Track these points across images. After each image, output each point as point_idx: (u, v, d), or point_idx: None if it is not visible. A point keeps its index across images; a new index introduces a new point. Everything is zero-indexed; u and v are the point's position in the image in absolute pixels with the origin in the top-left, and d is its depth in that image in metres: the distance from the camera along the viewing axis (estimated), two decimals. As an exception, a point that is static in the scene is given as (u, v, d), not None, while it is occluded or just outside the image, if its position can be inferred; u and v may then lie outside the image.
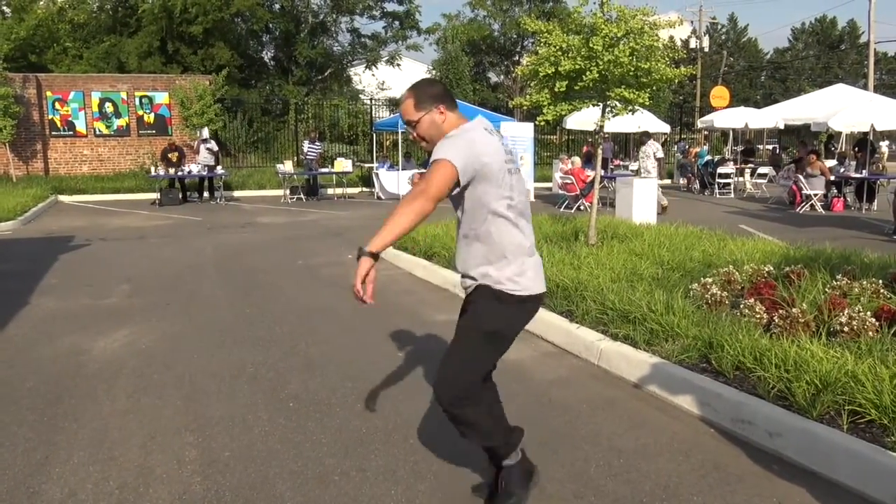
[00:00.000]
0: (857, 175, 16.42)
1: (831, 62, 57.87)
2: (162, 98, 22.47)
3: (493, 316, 2.79)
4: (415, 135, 2.83)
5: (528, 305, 2.86)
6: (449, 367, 2.80)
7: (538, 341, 5.71)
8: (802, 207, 15.70)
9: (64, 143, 21.88)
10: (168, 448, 3.75)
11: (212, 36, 27.23)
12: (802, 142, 24.61)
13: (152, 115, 22.51)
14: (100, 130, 22.08)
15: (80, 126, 21.89)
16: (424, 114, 2.76)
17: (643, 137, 15.85)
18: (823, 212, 15.46)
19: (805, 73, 58.57)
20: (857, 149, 17.88)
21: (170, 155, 18.34)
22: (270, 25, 30.97)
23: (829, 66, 57.24)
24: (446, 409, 2.80)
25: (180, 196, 18.16)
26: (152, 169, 18.54)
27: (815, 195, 15.72)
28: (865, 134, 17.34)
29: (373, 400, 4.44)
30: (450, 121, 2.79)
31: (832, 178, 16.36)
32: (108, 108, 22.05)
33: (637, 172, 16.17)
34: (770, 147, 33.76)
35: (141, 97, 22.32)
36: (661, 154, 15.80)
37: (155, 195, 17.88)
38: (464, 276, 2.86)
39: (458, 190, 2.70)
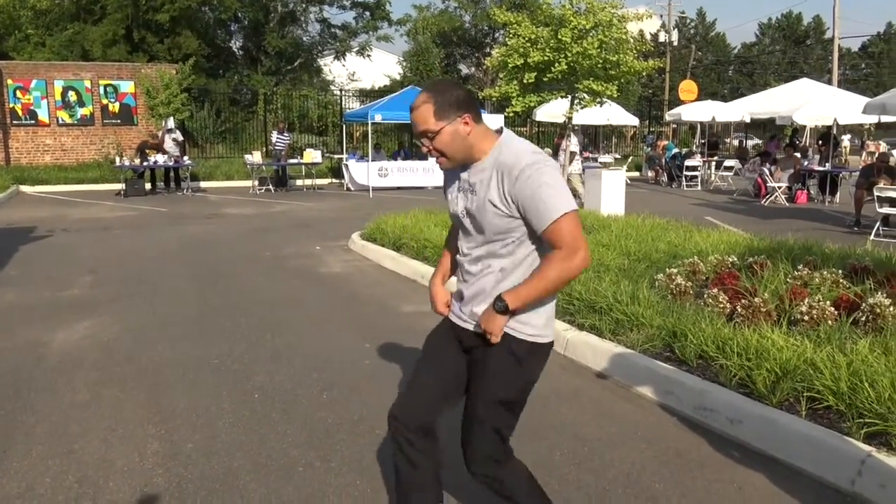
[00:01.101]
0: (821, 168, 16.70)
1: (797, 57, 58.75)
2: (127, 87, 22.08)
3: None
4: (430, 147, 2.31)
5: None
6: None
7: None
8: (767, 199, 15.94)
9: (25, 132, 21.40)
10: (129, 440, 3.70)
11: (179, 24, 26.79)
12: (773, 136, 25.00)
13: (117, 105, 22.10)
14: (63, 119, 21.63)
15: (43, 115, 21.42)
16: (446, 124, 2.26)
17: (567, 132, 16.07)
18: (787, 204, 15.72)
19: (771, 68, 59.39)
20: (820, 142, 18.19)
21: (148, 151, 18.02)
22: (239, 14, 30.55)
23: (794, 61, 58.10)
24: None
25: (146, 187, 17.89)
26: (117, 159, 18.23)
27: (780, 187, 15.97)
28: (829, 128, 17.64)
29: (339, 391, 4.42)
30: (476, 134, 2.30)
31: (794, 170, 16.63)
32: (72, 96, 21.60)
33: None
34: (737, 140, 34.21)
35: (105, 86, 21.91)
36: (574, 148, 15.90)
37: (120, 186, 17.59)
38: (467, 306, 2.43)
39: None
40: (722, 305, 5.06)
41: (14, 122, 21.26)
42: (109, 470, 3.37)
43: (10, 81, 21.07)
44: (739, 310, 4.89)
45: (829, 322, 4.59)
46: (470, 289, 2.40)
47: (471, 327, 2.40)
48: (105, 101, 21.97)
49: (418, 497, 2.53)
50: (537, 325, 2.34)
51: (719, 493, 3.18)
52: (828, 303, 4.78)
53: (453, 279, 2.60)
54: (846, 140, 32.06)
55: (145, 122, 21.81)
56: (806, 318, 4.65)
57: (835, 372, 3.68)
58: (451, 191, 2.45)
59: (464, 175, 2.38)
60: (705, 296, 5.29)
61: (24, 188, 18.53)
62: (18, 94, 21.16)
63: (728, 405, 3.82)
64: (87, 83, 21.71)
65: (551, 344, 2.43)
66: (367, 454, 3.54)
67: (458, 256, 2.48)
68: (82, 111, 21.79)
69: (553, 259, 2.21)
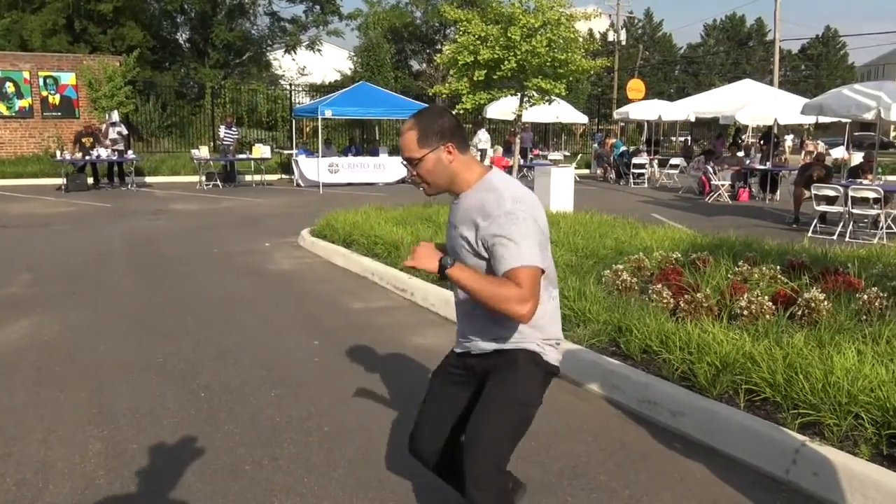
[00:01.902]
0: (762, 167, 17.19)
1: (740, 58, 60.28)
2: (68, 79, 21.43)
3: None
4: (414, 173, 2.32)
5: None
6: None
7: (454, 327, 5.75)
8: (711, 197, 16.34)
9: (-41, 124, 20.62)
10: (70, 442, 3.61)
11: (122, 15, 26.13)
12: (720, 135, 25.60)
13: (58, 97, 21.44)
14: (0, 112, 20.90)
15: (-21, 106, 20.66)
16: (429, 151, 2.27)
17: (475, 128, 16.41)
18: (730, 201, 16.13)
19: (716, 69, 60.80)
20: (762, 141, 18.71)
21: (84, 139, 17.52)
22: (185, 6, 29.94)
23: (738, 62, 59.61)
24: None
25: (89, 181, 17.41)
26: (58, 153, 17.69)
27: (723, 185, 16.38)
28: (770, 128, 18.16)
29: (288, 389, 4.39)
30: (459, 163, 2.30)
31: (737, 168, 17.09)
32: (9, 88, 20.87)
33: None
34: (682, 139, 34.94)
35: (45, 77, 21.22)
36: (484, 146, 16.11)
37: (61, 180, 17.09)
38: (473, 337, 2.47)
39: None
40: (666, 301, 5.18)
41: (-53, 113, 20.46)
42: (50, 472, 3.29)
43: (-57, 71, 20.25)
44: (682, 305, 5.01)
45: (767, 316, 4.74)
46: (466, 329, 2.49)
47: (478, 351, 2.46)
48: (45, 93, 21.29)
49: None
50: (542, 345, 2.45)
51: (662, 483, 3.27)
52: (766, 298, 4.93)
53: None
54: (788, 140, 33.06)
55: (87, 114, 21.21)
56: (745, 312, 4.79)
57: (772, 365, 3.81)
58: (448, 226, 2.49)
59: (453, 212, 2.40)
60: (650, 291, 5.40)
61: (-40, 182, 17.86)
62: (-48, 84, 20.36)
63: (671, 398, 3.92)
64: (26, 74, 21.00)
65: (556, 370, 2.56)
66: (315, 452, 3.52)
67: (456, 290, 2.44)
68: (20, 103, 21.07)
69: (508, 288, 2.11)
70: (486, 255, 2.23)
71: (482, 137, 15.81)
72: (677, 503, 3.12)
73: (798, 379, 3.61)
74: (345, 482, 3.24)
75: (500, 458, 2.33)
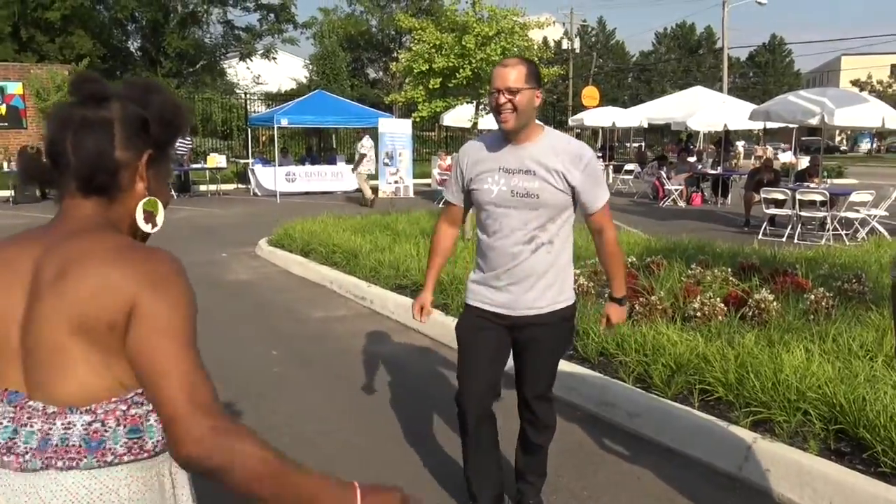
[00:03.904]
0: (713, 172, 17.57)
1: (691, 65, 61.53)
2: (15, 88, 20.88)
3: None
4: (505, 99, 2.49)
5: None
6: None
7: (413, 334, 5.78)
8: (665, 202, 16.64)
9: None
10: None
11: (71, 23, 25.59)
12: (679, 140, 26.06)
13: (4, 107, 20.88)
14: (-57, 122, 20.29)
15: (-80, 117, 20.02)
16: (529, 88, 2.51)
17: (361, 133, 16.86)
18: (684, 206, 16.45)
19: (668, 76, 61.98)
20: (715, 146, 19.12)
21: (30, 150, 17.11)
22: (136, 14, 29.45)
23: (689, 69, 60.83)
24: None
25: (38, 193, 16.99)
26: (5, 164, 17.23)
27: (677, 190, 16.70)
28: (723, 133, 18.57)
29: (247, 400, 4.35)
30: (536, 112, 2.62)
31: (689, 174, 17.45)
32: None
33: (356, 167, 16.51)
34: (636, 145, 35.53)
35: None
36: (364, 151, 16.39)
37: (9, 192, 16.64)
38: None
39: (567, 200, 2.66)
40: (622, 304, 5.26)
41: None
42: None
43: None
44: (638, 308, 5.10)
45: (720, 318, 4.86)
46: (515, 272, 2.64)
47: (529, 313, 2.67)
48: (-10, 103, 20.72)
49: (480, 480, 2.89)
50: (571, 291, 2.80)
51: (620, 483, 3.33)
52: (718, 299, 5.06)
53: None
54: (740, 146, 33.84)
55: (35, 125, 20.69)
56: (698, 314, 4.90)
57: (724, 364, 3.91)
58: (487, 176, 2.64)
59: (508, 158, 2.61)
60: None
61: None
62: None
63: (627, 400, 3.99)
64: (-30, 84, 20.43)
65: None
66: (275, 462, 3.50)
67: (488, 245, 2.69)
68: (-35, 113, 20.48)
69: (611, 242, 2.76)
70: (571, 194, 2.60)
71: (365, 144, 16.17)
72: (635, 502, 3.17)
73: (749, 378, 3.71)
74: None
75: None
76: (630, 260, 6.77)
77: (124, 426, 1.19)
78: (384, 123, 18.12)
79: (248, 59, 33.06)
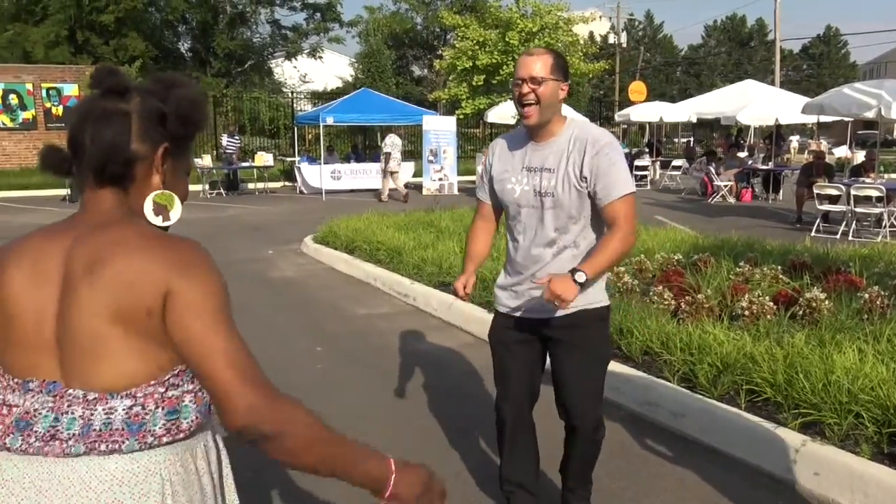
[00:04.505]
0: (764, 167, 17.17)
1: (742, 58, 60.29)
2: (71, 90, 21.54)
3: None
4: (528, 89, 2.38)
5: None
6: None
7: (456, 332, 5.78)
8: (714, 198, 16.32)
9: (-36, 136, 20.75)
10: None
11: (124, 26, 26.27)
12: (729, 135, 25.56)
13: (60, 108, 21.56)
14: (4, 124, 21.03)
15: (-18, 118, 20.80)
16: (553, 80, 2.40)
17: (388, 131, 17.21)
18: (733, 202, 16.11)
19: (717, 69, 60.81)
20: (767, 141, 18.69)
21: None
22: (186, 16, 30.10)
23: (739, 63, 59.61)
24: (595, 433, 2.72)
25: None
26: (62, 164, 17.73)
27: (726, 186, 16.36)
28: (775, 128, 18.14)
29: (290, 395, 4.40)
30: (561, 105, 2.51)
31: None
32: (13, 100, 21.01)
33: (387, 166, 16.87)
34: (685, 140, 34.95)
35: (48, 89, 21.35)
36: (388, 149, 16.66)
37: (65, 191, 17.16)
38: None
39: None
40: (667, 302, 5.18)
41: (-48, 126, 20.60)
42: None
43: (-53, 84, 20.40)
44: (684, 306, 5.02)
45: (768, 316, 4.74)
46: (538, 276, 2.49)
47: (556, 314, 2.51)
48: (48, 105, 21.42)
49: (515, 486, 2.83)
50: (604, 294, 2.66)
51: (663, 484, 3.27)
52: (767, 298, 4.94)
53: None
54: (794, 140, 32.97)
55: (91, 125, 21.32)
56: (746, 313, 4.79)
57: (772, 365, 3.81)
58: (510, 175, 2.55)
59: (532, 156, 2.51)
60: (651, 293, 5.41)
61: (-36, 194, 17.95)
62: (-44, 97, 20.50)
63: (671, 399, 3.93)
64: (29, 86, 21.14)
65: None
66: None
67: (513, 247, 2.62)
68: (24, 115, 21.21)
69: (616, 235, 2.38)
70: (589, 187, 2.43)
71: (387, 142, 16.41)
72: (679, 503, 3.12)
73: (799, 378, 3.61)
74: (341, 489, 3.25)
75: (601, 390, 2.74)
76: (676, 258, 6.66)
77: (163, 408, 1.23)
78: (428, 121, 18.14)
79: (294, 59, 33.48)
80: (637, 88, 28.94)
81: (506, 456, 2.83)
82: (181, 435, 1.25)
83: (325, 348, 5.41)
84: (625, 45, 46.11)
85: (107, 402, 1.20)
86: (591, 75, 7.84)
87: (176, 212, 1.38)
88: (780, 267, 6.00)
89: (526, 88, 2.39)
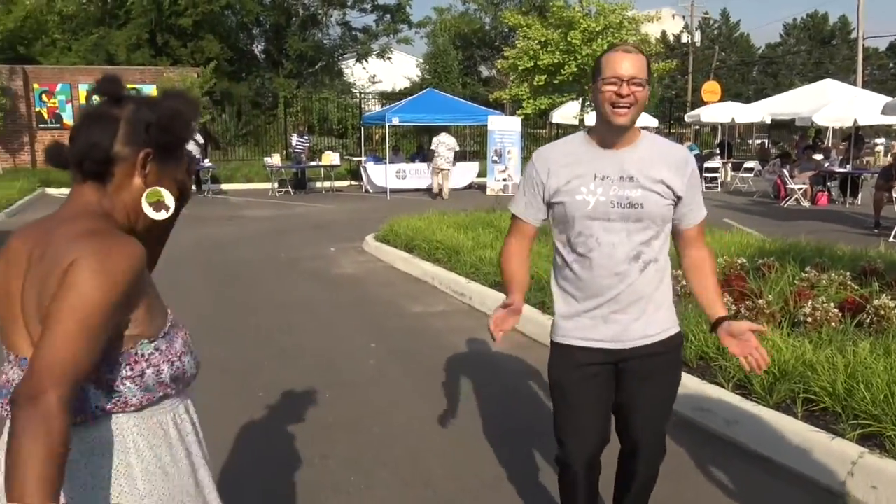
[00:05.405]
0: (841, 170, 16.52)
1: (823, 57, 58.02)
2: (150, 90, 22.36)
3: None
4: (629, 91, 2.14)
5: None
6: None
7: (511, 333, 5.73)
8: (787, 201, 15.79)
9: (51, 135, 21.74)
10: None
11: (201, 28, 27.12)
12: (805, 136, 24.71)
13: (140, 108, 22.40)
14: (88, 123, 21.99)
15: (68, 118, 21.77)
16: (647, 83, 2.20)
17: (433, 131, 17.42)
18: (808, 205, 15.56)
19: (797, 69, 58.71)
20: (845, 143, 17.98)
21: None
22: (261, 18, 30.86)
23: (820, 62, 57.39)
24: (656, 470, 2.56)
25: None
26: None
27: (800, 189, 15.81)
28: (855, 129, 17.43)
29: (342, 390, 4.49)
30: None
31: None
32: (96, 100, 21.89)
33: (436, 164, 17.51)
34: (759, 142, 33.89)
35: (130, 90, 22.14)
36: (433, 147, 17.40)
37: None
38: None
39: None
40: (726, 307, 5.05)
41: (40, 125, 21.67)
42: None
43: (36, 85, 21.49)
44: (743, 311, 4.88)
45: (833, 324, 4.57)
46: (621, 298, 2.25)
47: (640, 343, 2.29)
48: (129, 105, 22.27)
49: None
50: (676, 319, 2.41)
51: (710, 492, 3.20)
52: (832, 304, 4.76)
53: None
54: (879, 143, 31.55)
55: (168, 125, 22.08)
56: (809, 319, 4.64)
57: (832, 374, 3.68)
58: (580, 185, 2.24)
59: (604, 165, 2.24)
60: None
61: (50, 190, 18.84)
62: (44, 97, 21.56)
63: (725, 406, 3.83)
64: (112, 87, 22.04)
65: None
66: (364, 452, 3.60)
67: (582, 267, 2.28)
68: (107, 115, 22.13)
69: (708, 258, 2.40)
70: (674, 204, 2.28)
71: (433, 140, 16.91)
72: (726, 513, 3.05)
73: (859, 388, 3.47)
74: (390, 482, 3.30)
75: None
76: (740, 262, 6.48)
77: (100, 389, 1.37)
78: (493, 121, 18.11)
79: (364, 60, 33.94)
80: (711, 88, 28.24)
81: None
82: (131, 408, 1.40)
83: (379, 344, 5.48)
84: (699, 45, 45.01)
85: None
86: (657, 76, 7.69)
87: (170, 200, 1.48)
88: (849, 273, 5.76)
89: (626, 90, 2.14)
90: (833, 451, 3.24)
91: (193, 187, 16.36)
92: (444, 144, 17.29)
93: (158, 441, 1.46)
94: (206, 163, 18.95)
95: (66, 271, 1.27)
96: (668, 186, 2.22)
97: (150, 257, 1.59)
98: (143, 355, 1.41)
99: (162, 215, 1.47)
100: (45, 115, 21.67)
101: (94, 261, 1.28)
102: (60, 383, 1.21)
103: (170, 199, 1.48)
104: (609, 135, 2.24)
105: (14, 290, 1.37)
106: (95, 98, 1.49)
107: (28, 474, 1.16)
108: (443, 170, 17.30)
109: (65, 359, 1.23)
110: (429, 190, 18.28)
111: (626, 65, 2.15)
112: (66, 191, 16.40)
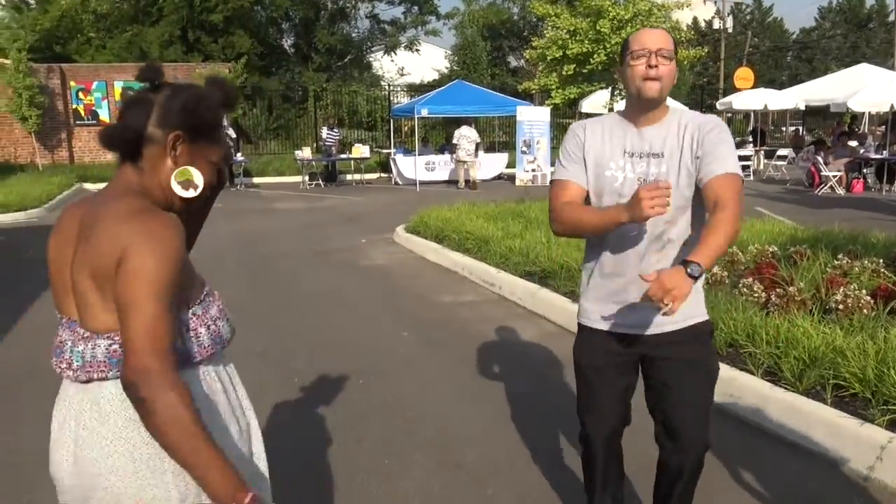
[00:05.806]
0: (877, 156, 16.22)
1: (859, 41, 56.77)
2: (183, 86, 22.70)
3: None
4: (657, 61, 2.14)
5: None
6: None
7: (539, 320, 5.83)
8: (821, 189, 15.57)
9: (88, 131, 22.23)
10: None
11: (232, 24, 27.41)
12: (840, 122, 24.23)
13: (174, 104, 22.74)
14: (123, 119, 22.39)
15: (104, 115, 22.22)
16: (674, 59, 2.24)
17: (461, 122, 17.81)
18: (843, 193, 15.32)
19: (832, 53, 57.54)
20: (882, 129, 17.63)
21: None
22: (290, 13, 31.08)
23: (856, 46, 56.15)
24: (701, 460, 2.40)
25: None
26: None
27: (835, 177, 15.57)
28: (893, 114, 17.09)
29: (374, 377, 4.59)
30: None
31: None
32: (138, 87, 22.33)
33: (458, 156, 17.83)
34: (793, 129, 33.33)
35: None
36: (454, 140, 17.83)
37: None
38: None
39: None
40: (757, 295, 5.06)
41: (77, 122, 22.13)
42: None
43: (72, 83, 21.93)
44: (774, 299, 4.88)
45: (864, 311, 4.56)
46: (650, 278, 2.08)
47: (664, 329, 2.26)
48: (162, 101, 22.63)
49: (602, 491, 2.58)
50: (705, 309, 2.38)
51: (739, 477, 3.24)
52: (864, 291, 4.74)
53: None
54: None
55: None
56: (840, 307, 4.62)
57: (862, 360, 3.68)
58: (609, 160, 2.26)
59: (634, 141, 2.25)
60: (740, 285, 5.28)
61: (87, 185, 19.23)
62: (81, 95, 22.00)
63: (755, 392, 3.86)
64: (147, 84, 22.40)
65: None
66: (396, 436, 3.69)
67: (609, 247, 2.27)
68: (141, 111, 22.50)
69: (727, 218, 2.01)
70: (695, 169, 2.18)
71: (455, 133, 17.22)
72: (757, 497, 3.09)
73: (889, 374, 3.48)
74: (423, 464, 3.39)
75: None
76: (771, 250, 6.45)
77: None
78: (522, 111, 18.07)
79: (392, 52, 34.03)
80: (743, 75, 27.78)
81: (598, 494, 2.58)
82: None
83: (410, 334, 5.57)
84: (731, 31, 44.31)
85: (94, 340, 1.47)
86: (687, 62, 7.64)
87: (199, 179, 1.57)
88: (882, 260, 5.72)
89: (654, 60, 2.13)
90: (862, 436, 3.25)
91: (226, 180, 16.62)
92: (466, 137, 17.49)
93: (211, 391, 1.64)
94: (239, 157, 19.20)
95: (121, 258, 1.38)
96: (690, 151, 2.19)
97: (189, 236, 1.77)
98: (183, 320, 1.53)
99: (190, 193, 1.57)
100: (82, 113, 22.12)
101: (147, 242, 1.39)
102: (162, 356, 1.34)
103: (199, 178, 1.57)
104: (639, 111, 2.25)
105: (66, 260, 1.51)
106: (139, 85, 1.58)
107: (200, 464, 1.33)
108: (464, 162, 17.61)
109: (155, 335, 1.35)
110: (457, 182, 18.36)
111: (654, 38, 2.17)
112: (103, 186, 16.75)
